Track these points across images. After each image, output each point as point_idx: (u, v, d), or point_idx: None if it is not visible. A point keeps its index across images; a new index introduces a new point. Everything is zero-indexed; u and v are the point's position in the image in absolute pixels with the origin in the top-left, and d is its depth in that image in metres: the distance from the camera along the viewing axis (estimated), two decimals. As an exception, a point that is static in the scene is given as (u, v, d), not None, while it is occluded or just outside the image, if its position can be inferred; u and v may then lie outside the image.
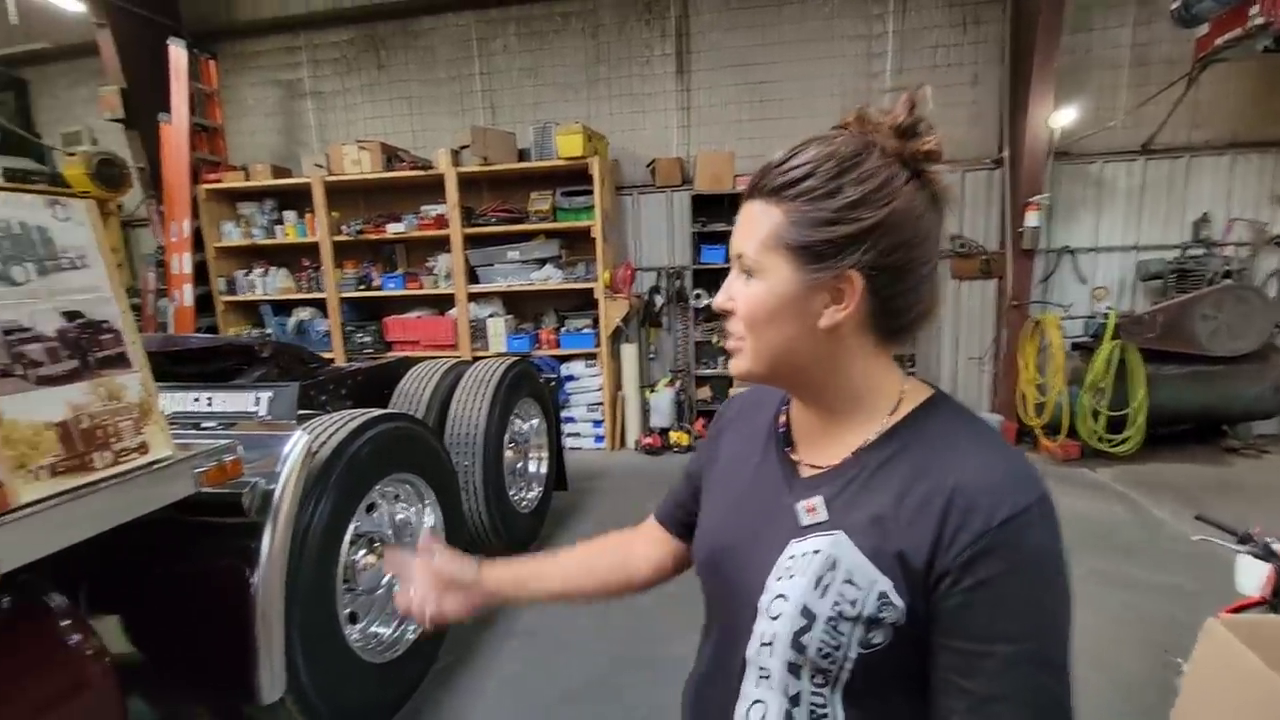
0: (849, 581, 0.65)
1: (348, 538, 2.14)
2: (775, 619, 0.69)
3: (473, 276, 6.01)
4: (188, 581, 1.81)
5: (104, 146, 6.39)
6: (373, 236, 6.12)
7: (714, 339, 6.02)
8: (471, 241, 5.97)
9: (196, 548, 1.78)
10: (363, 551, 2.35)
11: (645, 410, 6.16)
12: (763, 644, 0.71)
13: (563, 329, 6.05)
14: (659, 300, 6.19)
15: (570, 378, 6.04)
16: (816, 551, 0.68)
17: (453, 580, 0.97)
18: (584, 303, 5.96)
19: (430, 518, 2.69)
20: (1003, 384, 5.82)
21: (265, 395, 2.02)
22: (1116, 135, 5.43)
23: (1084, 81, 5.45)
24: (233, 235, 6.35)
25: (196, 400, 2.09)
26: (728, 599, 0.80)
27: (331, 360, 4.46)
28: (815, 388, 0.75)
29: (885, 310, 0.70)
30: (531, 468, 4.02)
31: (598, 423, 6.08)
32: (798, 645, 0.67)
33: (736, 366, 0.76)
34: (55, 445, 1.36)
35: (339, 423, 2.18)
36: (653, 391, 6.13)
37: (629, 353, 6.06)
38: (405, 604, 0.96)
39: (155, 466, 1.53)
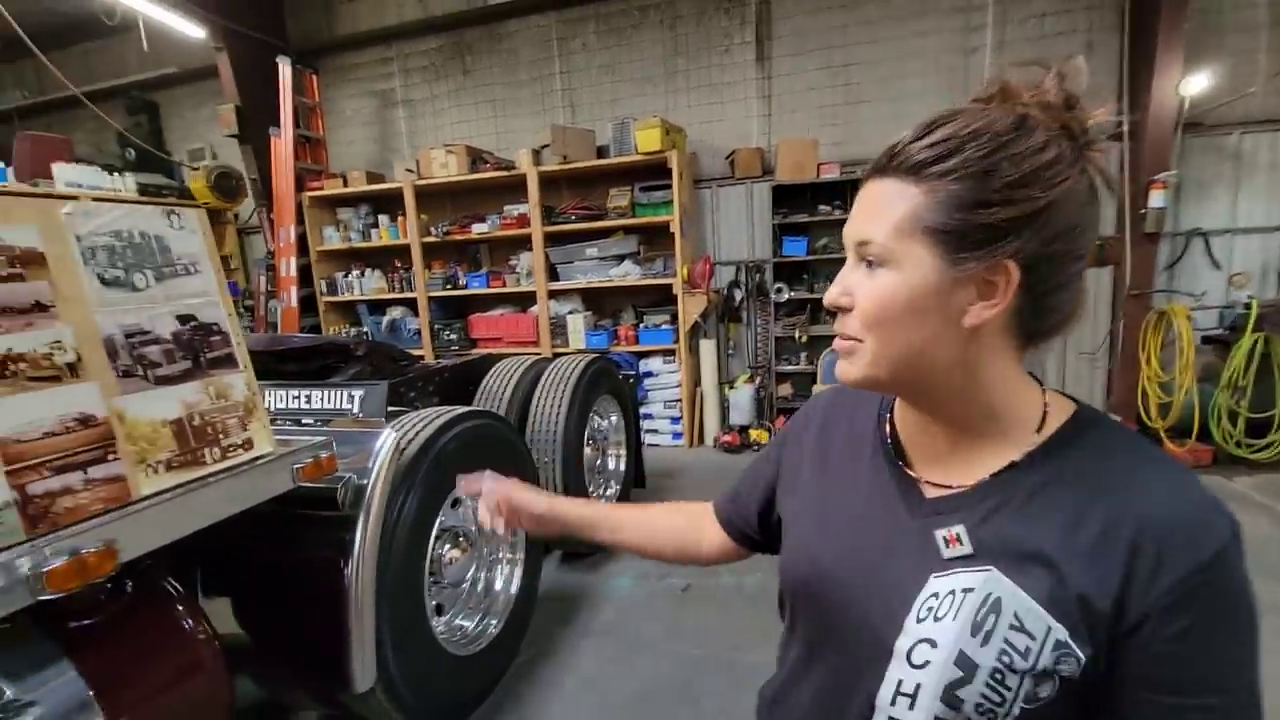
0: (1018, 628, 0.57)
1: (434, 532, 2.20)
2: (920, 668, 0.61)
3: (553, 274, 6.11)
4: (289, 571, 1.91)
5: (222, 161, 6.96)
6: (458, 237, 6.33)
7: (795, 334, 5.84)
8: (552, 239, 6.06)
9: (296, 539, 1.87)
10: (448, 546, 2.42)
11: (724, 407, 6.06)
12: (901, 693, 0.62)
13: (641, 325, 6.04)
14: (738, 295, 6.07)
15: (649, 374, 6.03)
16: (968, 590, 0.60)
17: (523, 506, 1.01)
18: (662, 298, 5.93)
19: (512, 513, 2.73)
20: (1119, 381, 5.31)
21: (358, 393, 2.12)
22: (1256, 103, 4.82)
23: (1216, 46, 4.86)
24: (332, 239, 6.74)
25: (297, 398, 2.23)
26: (840, 631, 0.71)
27: (421, 358, 4.64)
28: (941, 397, 0.66)
29: (1035, 308, 0.62)
30: (610, 465, 4.03)
31: (676, 419, 6.04)
32: (951, 700, 0.59)
33: (850, 372, 0.66)
34: (171, 441, 1.45)
35: (426, 420, 2.25)
36: (732, 388, 6.03)
37: (708, 349, 5.98)
38: (484, 516, 1.03)
39: (258, 462, 1.62)
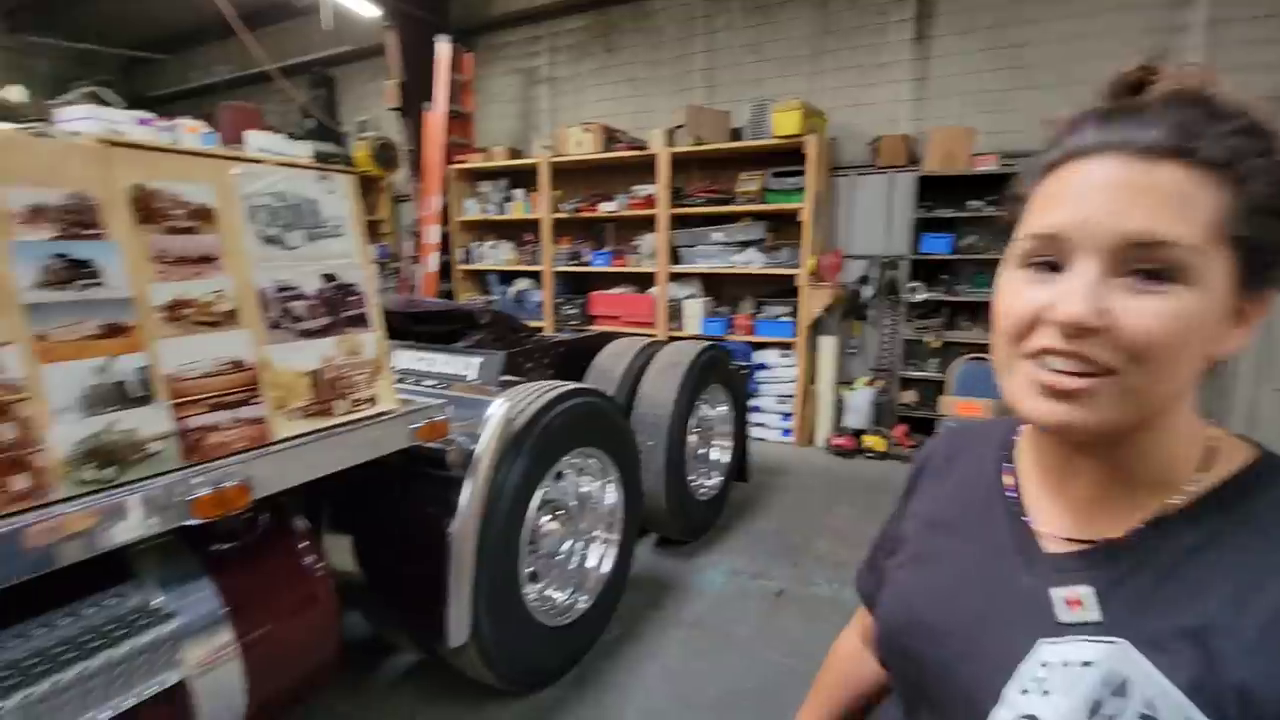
0: (1148, 717, 0.47)
1: (536, 501, 2.25)
2: None
3: (674, 256, 6.07)
4: (400, 521, 2.03)
5: (383, 133, 7.53)
6: (586, 214, 6.45)
7: (927, 338, 5.42)
8: (677, 222, 6.01)
9: (408, 492, 1.99)
10: (547, 517, 2.47)
11: (839, 408, 5.77)
12: None
13: (760, 315, 5.87)
14: (866, 291, 5.72)
15: (762, 366, 5.86)
16: (1087, 664, 0.50)
17: None
18: (784, 289, 5.71)
19: (612, 494, 2.75)
20: (1331, 430, 4.45)
21: (476, 361, 2.21)
22: None
23: None
24: (471, 210, 7.12)
25: (422, 359, 2.36)
26: (935, 695, 0.63)
27: (540, 329, 4.77)
28: (1133, 438, 0.54)
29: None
30: (714, 455, 3.96)
31: (786, 416, 5.83)
32: None
33: (1086, 418, 0.50)
34: (308, 391, 1.57)
35: (537, 393, 2.29)
36: (850, 389, 5.72)
37: (827, 345, 5.70)
38: None
39: (380, 418, 1.72)
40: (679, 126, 5.76)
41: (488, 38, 7.36)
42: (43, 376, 1.14)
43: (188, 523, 1.22)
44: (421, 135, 6.88)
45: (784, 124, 5.18)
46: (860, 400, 5.60)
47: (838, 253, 5.65)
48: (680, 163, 5.91)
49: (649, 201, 6.03)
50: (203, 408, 1.36)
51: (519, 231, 7.09)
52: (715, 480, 3.89)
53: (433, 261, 6.96)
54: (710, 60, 6.29)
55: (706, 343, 3.75)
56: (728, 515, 4.03)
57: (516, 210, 6.86)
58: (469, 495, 1.95)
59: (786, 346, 5.75)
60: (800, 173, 5.29)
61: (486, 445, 1.97)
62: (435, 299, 6.63)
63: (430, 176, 6.85)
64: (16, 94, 5.85)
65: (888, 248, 5.71)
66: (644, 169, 6.03)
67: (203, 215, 1.38)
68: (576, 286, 6.85)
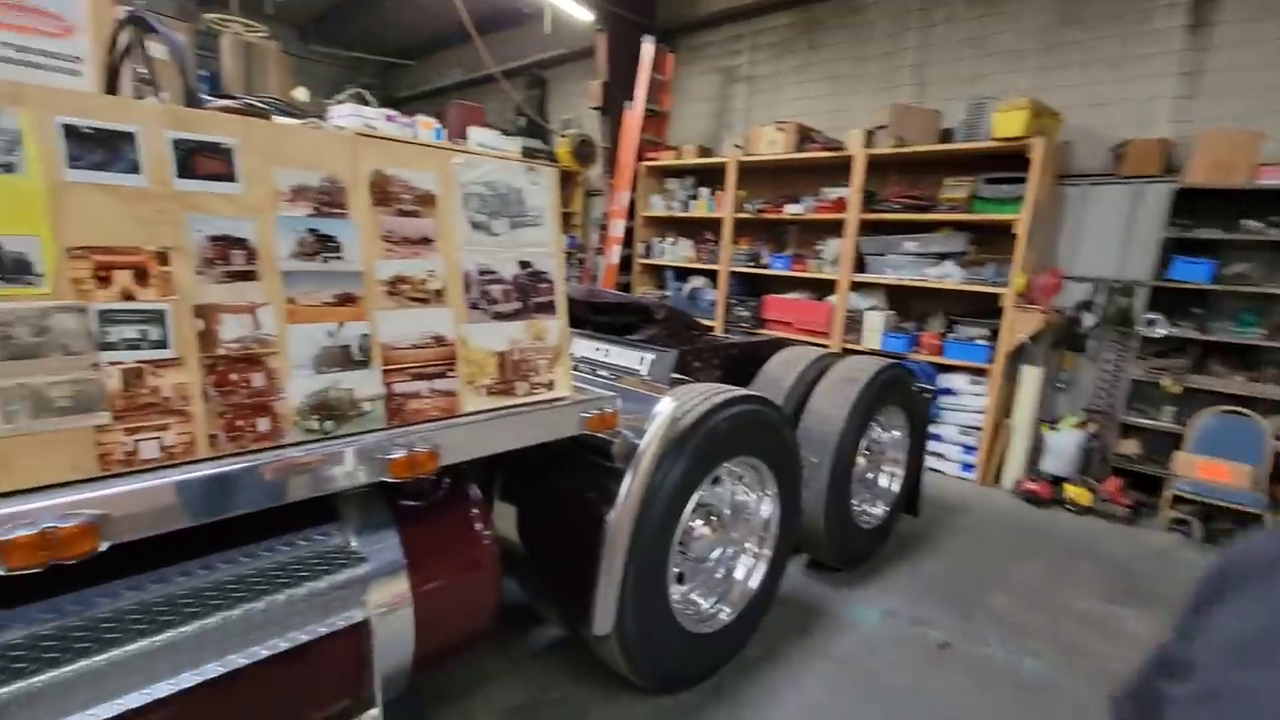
0: None
1: (691, 504, 2.22)
2: None
3: (860, 264, 5.72)
4: (563, 503, 2.11)
5: (584, 130, 7.96)
6: (770, 216, 6.29)
7: (1164, 380, 4.54)
8: (867, 228, 5.65)
9: (573, 476, 2.06)
10: (700, 521, 2.43)
11: (1036, 449, 5.06)
12: None
13: (950, 335, 5.33)
14: (1087, 319, 4.94)
15: (947, 392, 5.32)
16: None
17: None
18: (983, 309, 5.12)
19: (768, 507, 2.65)
20: None
21: (649, 356, 2.22)
22: None
23: None
24: (657, 207, 7.28)
25: (598, 350, 2.44)
26: None
27: (711, 329, 4.74)
28: None
29: None
30: (882, 482, 3.66)
31: (970, 449, 5.25)
32: None
33: None
34: (494, 370, 1.67)
35: (705, 395, 2.26)
36: (1053, 429, 4.99)
37: (1031, 376, 5.02)
38: None
39: (556, 404, 1.79)
40: (880, 127, 5.39)
41: (690, 38, 7.45)
42: (288, 335, 1.31)
43: (385, 479, 1.35)
44: (618, 133, 7.16)
45: (1006, 125, 4.62)
46: (1065, 443, 4.86)
47: (1055, 272, 4.94)
48: (877, 165, 5.54)
49: (838, 205, 5.73)
50: (407, 376, 1.50)
51: (700, 229, 7.13)
52: (881, 509, 3.60)
53: (615, 254, 7.24)
54: (922, 56, 5.80)
55: (888, 360, 3.47)
56: (891, 549, 3.71)
57: (700, 208, 6.89)
58: (628, 488, 1.97)
59: (979, 373, 5.16)
60: (1020, 180, 4.69)
61: (650, 441, 1.98)
62: (614, 291, 6.89)
63: (622, 172, 7.11)
64: (302, 94, 7.04)
65: (1121, 270, 4.88)
66: (836, 171, 5.74)
67: (426, 200, 1.52)
68: (751, 288, 6.73)
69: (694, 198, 7.03)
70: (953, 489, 4.98)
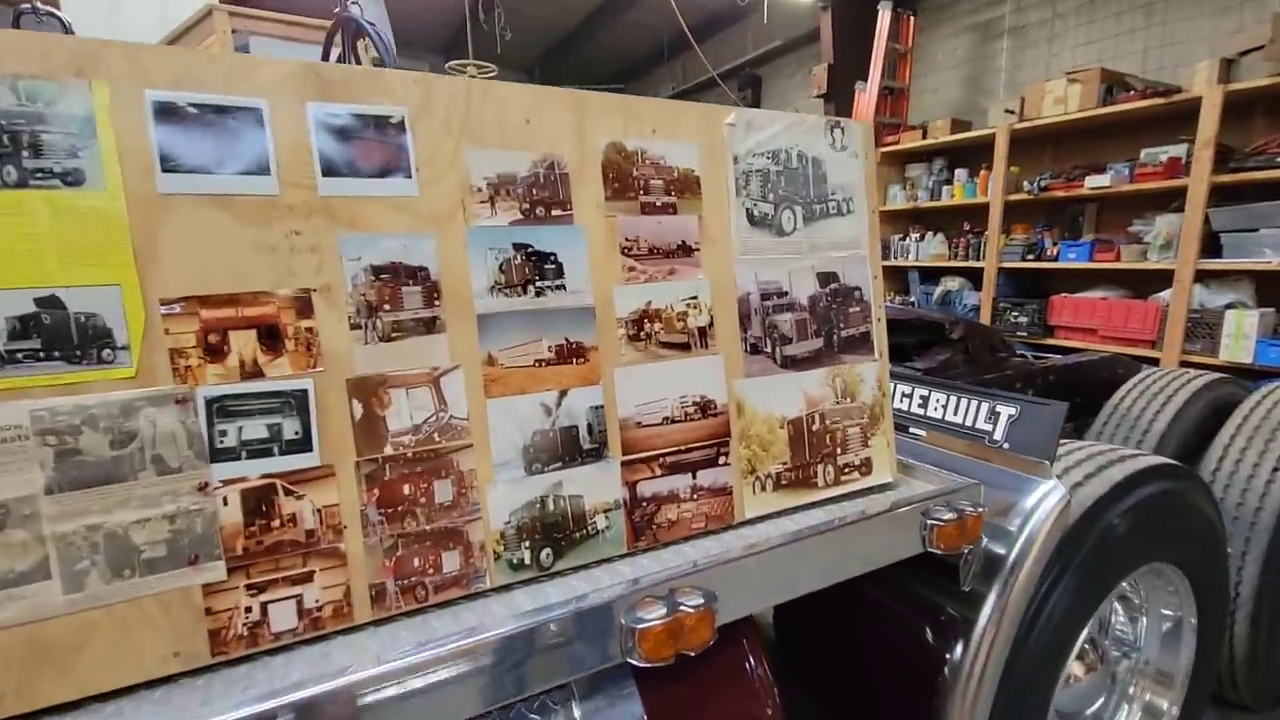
0: None
1: (1079, 643, 1.39)
2: None
3: (1210, 247, 4.15)
4: (875, 639, 1.41)
5: (803, 121, 7.20)
6: (1059, 194, 4.93)
7: None
8: (1220, 195, 4.08)
9: (889, 597, 1.35)
10: (1074, 659, 1.56)
11: None
12: None
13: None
14: None
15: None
16: None
17: None
18: None
19: (1181, 639, 1.67)
20: None
21: (1007, 410, 1.42)
22: None
23: None
24: (897, 199, 6.25)
25: (904, 397, 1.68)
26: None
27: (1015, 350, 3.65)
28: None
29: None
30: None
31: None
32: None
33: None
34: (784, 448, 1.05)
35: (1094, 465, 1.41)
36: None
37: None
38: None
39: (878, 497, 1.10)
40: (1250, 50, 3.84)
41: (934, -3, 6.32)
42: (488, 416, 0.82)
43: (633, 662, 0.79)
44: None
45: None
46: None
47: None
48: (1237, 108, 3.97)
49: (1171, 168, 4.23)
50: (657, 468, 0.94)
51: (955, 220, 5.92)
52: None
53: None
54: (1312, -56, 4.09)
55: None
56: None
57: (956, 194, 5.71)
58: (987, 623, 1.21)
59: None
60: None
61: (1027, 553, 1.20)
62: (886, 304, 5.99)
63: (853, 163, 6.21)
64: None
65: None
66: (1163, 124, 4.28)
67: (685, 185, 0.95)
68: (1029, 287, 5.37)
69: (946, 183, 5.87)
70: None
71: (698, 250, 0.96)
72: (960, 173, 5.73)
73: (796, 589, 0.94)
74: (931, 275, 6.20)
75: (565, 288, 0.87)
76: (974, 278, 5.69)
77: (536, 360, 0.85)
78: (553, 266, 0.86)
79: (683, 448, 0.95)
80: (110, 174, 0.64)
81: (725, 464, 0.99)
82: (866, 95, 6.02)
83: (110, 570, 0.64)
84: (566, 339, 0.87)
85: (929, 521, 1.06)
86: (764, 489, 1.03)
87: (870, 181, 1.12)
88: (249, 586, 0.70)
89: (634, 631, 0.77)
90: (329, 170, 0.73)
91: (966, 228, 5.79)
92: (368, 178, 0.75)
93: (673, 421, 0.95)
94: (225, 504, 0.69)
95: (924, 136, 5.88)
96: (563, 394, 0.86)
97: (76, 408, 0.63)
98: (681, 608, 0.80)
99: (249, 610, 0.70)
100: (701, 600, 0.81)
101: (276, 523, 0.71)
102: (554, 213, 0.86)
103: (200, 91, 0.68)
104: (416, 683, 0.67)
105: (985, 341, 2.51)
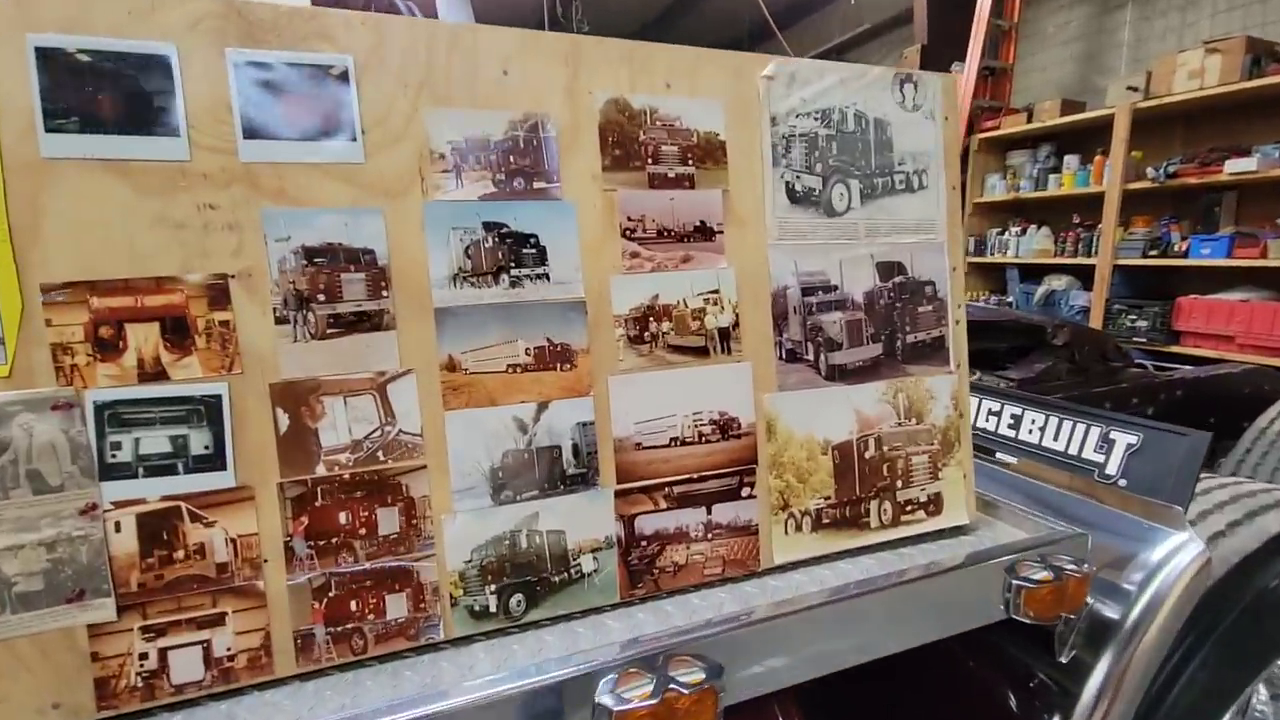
0: None
1: (1212, 738, 1.10)
2: None
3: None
4: (931, 685, 1.18)
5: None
6: (1192, 180, 4.34)
7: None
8: (1407, 182, 3.43)
9: (966, 668, 1.11)
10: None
11: None
12: None
13: None
14: None
15: None
16: None
17: None
18: None
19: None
20: None
21: (1126, 439, 1.14)
22: None
23: None
24: (996, 190, 5.75)
25: (994, 412, 1.40)
26: None
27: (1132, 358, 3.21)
28: None
29: None
30: None
31: None
32: None
33: None
34: (827, 480, 0.85)
35: (1240, 512, 1.12)
36: None
37: None
38: None
39: (948, 541, 0.88)
40: None
41: (1045, -36, 5.74)
42: (447, 431, 0.67)
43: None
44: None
45: None
46: None
47: None
48: None
49: (1338, 150, 3.60)
50: (661, 500, 0.76)
51: (1064, 212, 5.37)
52: None
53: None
54: None
55: None
56: None
57: (1065, 183, 5.16)
58: (1094, 701, 0.96)
59: None
60: None
61: (1151, 619, 0.94)
62: (972, 304, 5.53)
63: (946, 150, 5.75)
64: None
65: None
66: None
67: (706, 152, 0.77)
68: (1150, 288, 4.77)
69: (1054, 171, 5.33)
70: None
71: (720, 233, 0.78)
72: (1070, 159, 5.18)
73: (830, 663, 0.74)
74: (1034, 273, 5.65)
75: (548, 277, 0.71)
76: (1084, 276, 5.13)
77: (510, 365, 0.69)
78: (532, 251, 0.70)
79: (695, 475, 0.77)
80: (-16, 134, 0.54)
81: (749, 496, 0.80)
82: (964, 77, 5.55)
83: (-24, 605, 0.54)
84: (548, 340, 0.71)
85: (1015, 582, 0.82)
86: (799, 529, 0.83)
87: (952, 150, 0.89)
88: (144, 629, 0.59)
89: (610, 713, 0.60)
90: (252, 131, 0.61)
91: (1076, 220, 5.23)
92: (301, 141, 0.62)
93: (683, 443, 0.77)
94: (117, 530, 0.58)
95: (1029, 120, 5.36)
96: (542, 406, 0.71)
97: (-63, 412, 0.53)
98: (673, 686, 0.62)
99: (144, 657, 0.58)
100: (702, 675, 0.63)
101: (180, 554, 0.59)
102: (536, 185, 0.70)
103: (94, 36, 0.56)
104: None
105: (1095, 348, 2.16)
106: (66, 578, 0.56)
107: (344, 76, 0.63)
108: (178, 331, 0.59)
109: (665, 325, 0.76)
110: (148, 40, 0.58)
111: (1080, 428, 1.16)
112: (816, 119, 0.82)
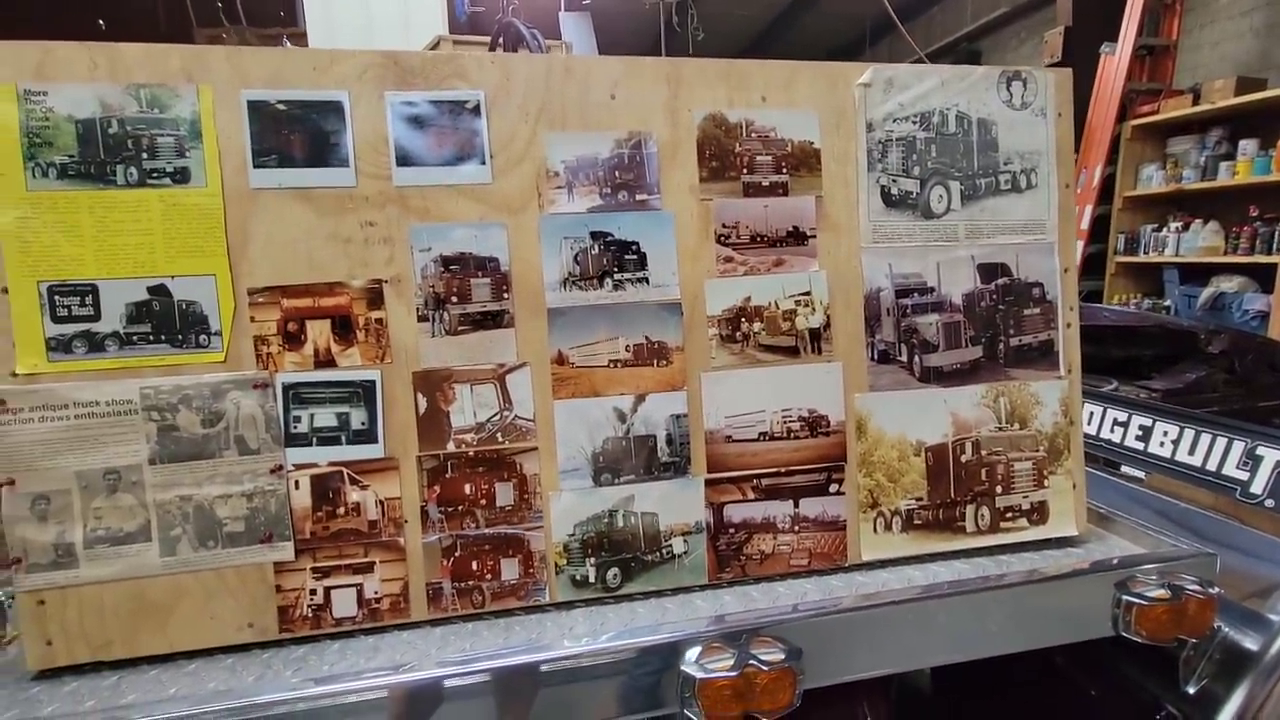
0: None
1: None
2: None
3: None
4: (1045, 707, 1.12)
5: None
6: None
7: None
8: None
9: (1068, 698, 1.05)
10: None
11: None
12: None
13: None
14: None
15: None
16: None
17: None
18: None
19: None
20: None
21: (1273, 454, 1.02)
22: None
23: None
24: (1152, 181, 5.16)
25: (1120, 423, 1.29)
26: None
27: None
28: None
29: None
30: None
31: None
32: None
33: None
34: (919, 480, 0.85)
35: None
36: None
37: None
38: None
39: (1056, 554, 0.86)
40: None
41: (1217, -74, 5.09)
42: (555, 418, 0.76)
43: (689, 715, 0.68)
44: (1089, 90, 5.30)
45: None
46: None
47: None
48: None
49: None
50: (750, 490, 0.81)
51: (1237, 204, 4.73)
52: None
53: (1077, 253, 5.36)
54: None
55: None
56: None
57: (1239, 172, 4.55)
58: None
59: None
60: None
61: (1294, 657, 0.86)
62: (1111, 307, 5.03)
63: (1094, 141, 5.24)
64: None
65: None
66: None
67: (800, 160, 0.81)
68: (1353, 291, 4.09)
69: (1225, 158, 4.71)
70: None
71: (813, 237, 0.81)
72: (1247, 144, 4.55)
73: (914, 659, 0.75)
74: (1198, 274, 5.01)
75: (648, 280, 0.78)
76: (1262, 277, 4.49)
77: (611, 360, 0.77)
78: (634, 257, 0.77)
79: (783, 469, 0.81)
80: (211, 171, 0.69)
81: (838, 493, 0.83)
82: (1115, 58, 5.04)
83: (198, 539, 0.69)
84: (647, 338, 0.78)
85: (1126, 598, 0.79)
86: (889, 528, 0.84)
87: (1066, 146, 0.86)
88: (314, 570, 0.72)
89: (694, 681, 0.66)
90: (403, 160, 0.72)
91: (1253, 213, 4.59)
92: (441, 166, 0.73)
93: (772, 438, 0.81)
94: (296, 487, 0.71)
95: (1195, 102, 4.76)
96: (640, 399, 0.78)
97: (175, 387, 0.69)
98: (753, 662, 0.67)
99: (314, 593, 0.72)
100: (781, 655, 0.67)
101: (341, 510, 0.72)
102: (638, 197, 0.77)
103: (288, 89, 0.70)
104: (449, 696, 0.63)
105: (1262, 358, 1.92)
106: (260, 523, 0.71)
107: (476, 109, 0.74)
108: (344, 327, 0.72)
109: (757, 325, 0.80)
110: (326, 89, 0.71)
111: (1221, 442, 1.05)
112: (915, 122, 0.83)
